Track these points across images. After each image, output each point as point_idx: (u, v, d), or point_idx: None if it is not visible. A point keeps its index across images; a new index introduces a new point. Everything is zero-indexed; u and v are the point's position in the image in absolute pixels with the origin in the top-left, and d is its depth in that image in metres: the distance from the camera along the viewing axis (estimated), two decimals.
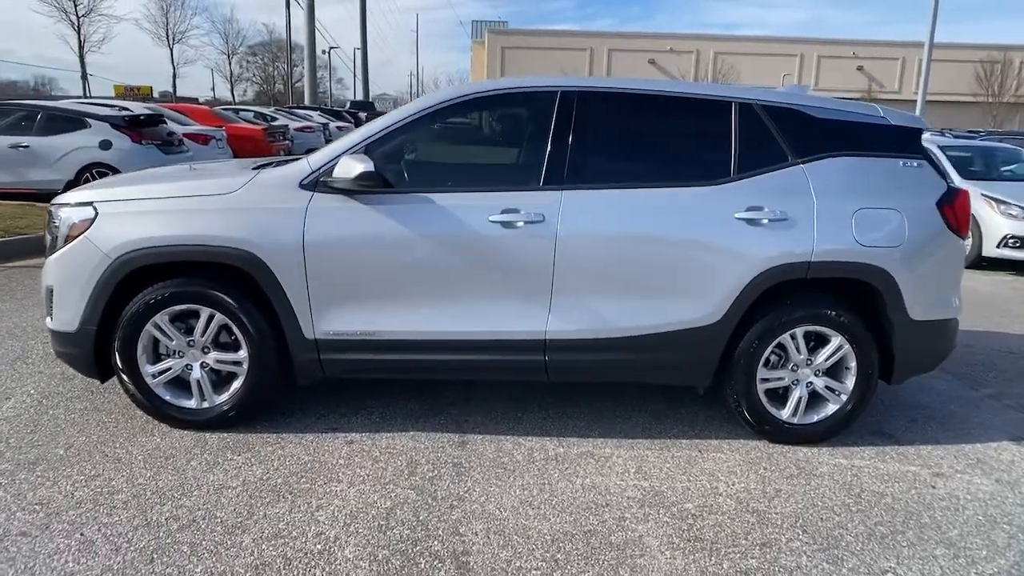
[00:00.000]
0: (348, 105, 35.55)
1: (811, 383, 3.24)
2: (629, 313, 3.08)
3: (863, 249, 3.07)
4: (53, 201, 3.14)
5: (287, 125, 15.58)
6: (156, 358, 3.06)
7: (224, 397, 3.08)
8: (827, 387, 3.25)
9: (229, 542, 2.33)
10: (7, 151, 8.46)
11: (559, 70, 35.44)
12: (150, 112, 10.31)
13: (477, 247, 2.99)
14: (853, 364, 3.20)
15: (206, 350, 3.05)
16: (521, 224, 2.98)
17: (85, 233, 2.94)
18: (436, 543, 2.40)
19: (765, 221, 3.05)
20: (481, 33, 49.40)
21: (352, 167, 2.85)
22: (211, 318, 3.00)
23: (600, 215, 3.03)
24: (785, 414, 3.24)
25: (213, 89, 57.05)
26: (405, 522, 2.51)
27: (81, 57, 31.52)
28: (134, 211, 2.96)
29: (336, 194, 2.95)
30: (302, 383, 3.15)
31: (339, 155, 2.97)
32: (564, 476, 2.90)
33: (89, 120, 8.70)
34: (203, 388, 3.07)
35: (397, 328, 3.03)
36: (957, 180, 7.82)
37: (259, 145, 13.69)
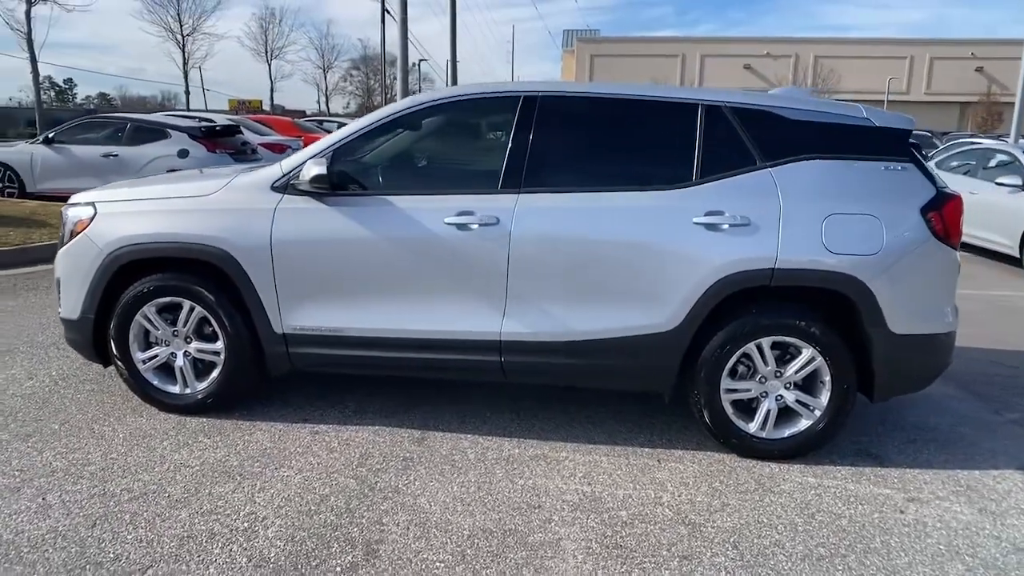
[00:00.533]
0: None
1: (781, 396, 3.10)
2: (584, 317, 3.07)
3: (833, 257, 2.92)
4: (67, 202, 3.50)
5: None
6: (147, 346, 3.34)
7: (204, 385, 3.32)
8: (799, 401, 3.09)
9: (168, 515, 2.53)
10: (100, 159, 9.39)
11: (649, 78, 34.97)
12: (227, 123, 11.12)
13: (432, 248, 3.07)
14: (827, 378, 3.03)
15: (188, 340, 3.30)
16: (475, 226, 3.04)
17: (85, 230, 3.26)
18: (355, 530, 2.50)
19: (725, 226, 2.96)
20: (572, 42, 49.53)
21: (310, 170, 3.02)
22: (192, 310, 3.24)
23: (555, 218, 3.05)
24: (753, 427, 3.11)
25: (319, 102, 60.28)
26: (334, 509, 2.62)
27: (185, 73, 34.28)
28: (126, 211, 3.26)
29: (303, 196, 3.13)
30: (274, 375, 3.34)
31: (307, 159, 3.15)
32: (508, 476, 2.93)
33: (170, 131, 9.50)
34: (185, 375, 3.32)
35: (359, 325, 3.17)
36: None
37: None
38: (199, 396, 3.31)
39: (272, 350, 3.24)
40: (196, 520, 2.51)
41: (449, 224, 3.05)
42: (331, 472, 2.89)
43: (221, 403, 3.33)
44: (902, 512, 2.75)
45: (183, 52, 33.66)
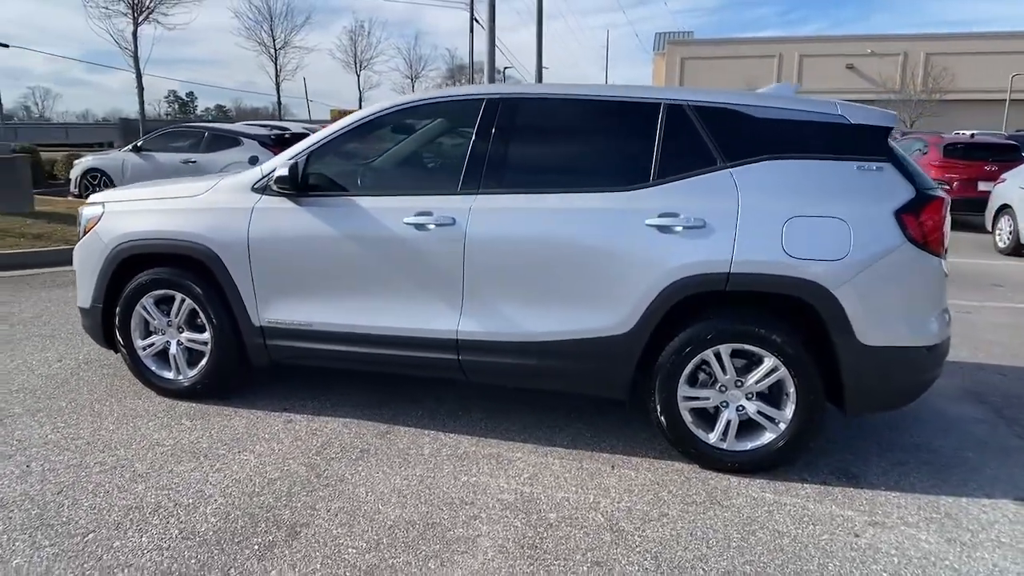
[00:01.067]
0: None
1: (743, 407, 2.98)
2: (538, 318, 3.07)
3: (793, 261, 2.78)
4: (85, 202, 3.86)
5: None
6: (147, 334, 3.63)
7: (193, 372, 3.57)
8: (761, 413, 2.96)
9: (126, 487, 2.75)
10: (180, 165, 10.21)
11: (742, 80, 33.80)
12: (298, 131, 11.77)
13: (392, 247, 3.17)
14: (791, 390, 2.89)
15: (180, 330, 3.56)
16: (432, 227, 3.11)
17: (95, 227, 3.59)
18: (287, 513, 2.62)
19: (679, 228, 2.88)
20: (664, 45, 48.63)
21: (278, 172, 3.19)
22: (182, 302, 3.50)
23: (509, 220, 3.07)
24: (713, 438, 3.00)
25: None
26: (276, 492, 2.76)
27: (277, 85, 36.38)
28: (128, 210, 3.57)
29: (279, 197, 3.31)
30: (256, 365, 3.54)
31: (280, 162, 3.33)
32: (454, 472, 2.97)
33: (242, 139, 10.19)
34: (179, 363, 3.59)
35: (326, 320, 3.31)
36: None
37: None
38: (189, 382, 3.56)
39: (251, 342, 3.44)
40: (149, 494, 2.71)
41: (408, 224, 3.13)
42: (287, 458, 3.04)
43: (209, 390, 3.56)
44: (856, 536, 2.57)
45: (275, 65, 35.75)
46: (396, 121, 3.41)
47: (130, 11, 19.50)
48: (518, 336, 3.09)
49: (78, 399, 3.59)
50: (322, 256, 3.26)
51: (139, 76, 20.85)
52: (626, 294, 2.94)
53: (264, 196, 3.34)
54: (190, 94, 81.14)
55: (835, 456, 3.19)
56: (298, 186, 3.24)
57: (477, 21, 39.34)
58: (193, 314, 3.51)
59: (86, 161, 11.40)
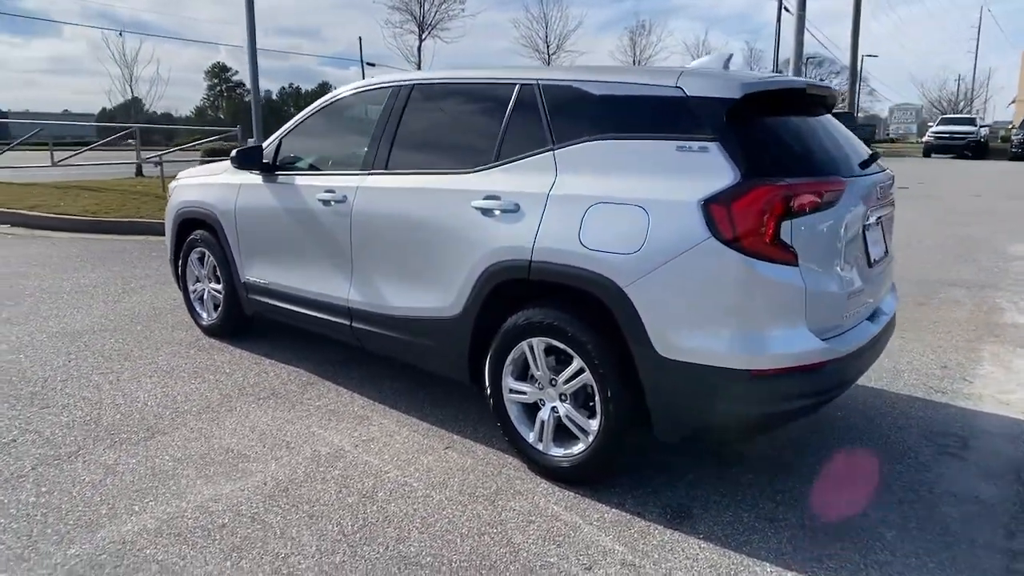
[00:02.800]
0: None
1: (556, 408, 2.75)
2: (397, 293, 3.22)
3: (585, 252, 2.50)
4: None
5: None
6: (194, 281, 4.64)
7: (215, 316, 4.48)
8: (569, 418, 2.70)
9: (124, 375, 3.70)
10: None
11: None
12: None
13: (308, 220, 3.61)
14: (597, 398, 2.59)
15: (208, 280, 4.49)
16: (332, 203, 3.46)
17: (171, 195, 4.71)
18: (164, 423, 3.26)
19: (497, 212, 2.78)
20: None
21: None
22: (207, 258, 4.42)
23: (381, 198, 3.26)
24: (531, 436, 2.84)
25: None
26: (177, 408, 3.43)
27: None
28: (184, 185, 4.60)
29: (259, 175, 3.97)
30: (248, 315, 4.28)
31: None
32: (311, 422, 3.31)
33: None
34: (207, 307, 4.53)
35: (276, 281, 3.89)
36: None
37: None
38: (210, 323, 4.50)
39: (241, 295, 4.20)
40: (128, 382, 3.62)
41: (319, 200, 3.53)
42: (215, 388, 3.70)
43: (224, 331, 4.46)
44: (587, 569, 2.26)
45: None
46: (338, 108, 3.80)
47: (416, 28, 22.72)
48: (382, 308, 3.28)
49: (152, 325, 4.78)
50: (274, 226, 3.84)
51: None
52: (455, 276, 2.93)
53: (249, 174, 4.05)
54: None
55: (696, 488, 2.73)
56: (265, 167, 3.87)
57: (787, 9, 36.40)
58: (214, 269, 4.41)
59: None
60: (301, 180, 3.72)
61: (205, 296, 4.55)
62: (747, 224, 2.23)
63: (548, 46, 37.85)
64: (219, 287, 4.37)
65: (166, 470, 2.85)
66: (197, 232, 4.45)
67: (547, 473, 2.80)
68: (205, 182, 4.40)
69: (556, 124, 2.74)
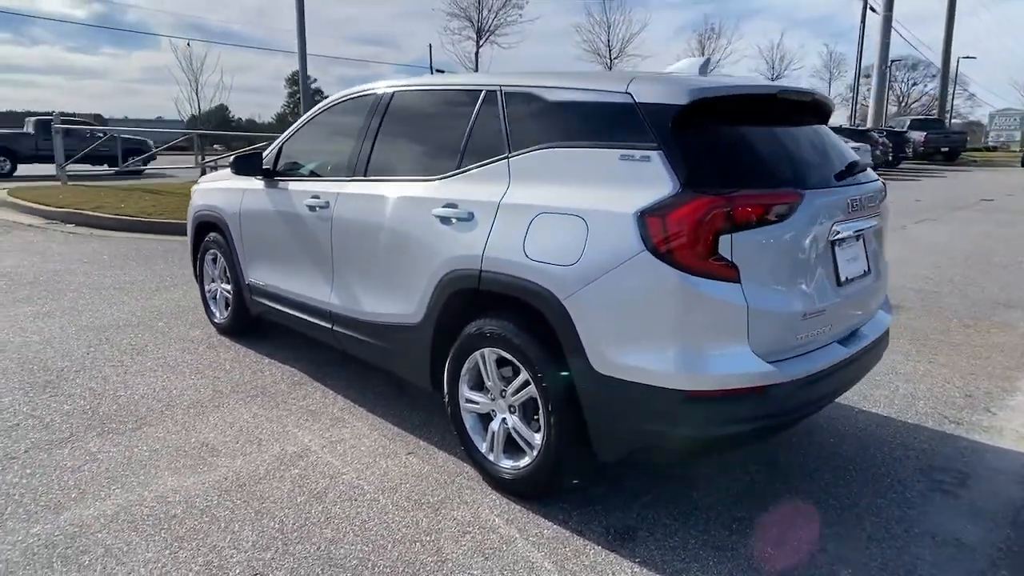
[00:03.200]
0: (907, 125, 31.43)
1: (506, 420, 2.72)
2: (369, 298, 3.27)
3: (529, 263, 2.47)
4: None
5: None
6: (211, 281, 4.84)
7: (226, 314, 4.66)
8: (515, 430, 2.67)
9: (140, 363, 3.92)
10: None
11: None
12: None
13: (298, 225, 3.71)
14: (541, 412, 2.55)
15: (221, 280, 4.68)
16: (317, 208, 3.55)
17: (191, 198, 4.94)
18: (149, 414, 3.42)
19: (454, 220, 2.79)
20: None
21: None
22: (215, 259, 4.61)
23: (358, 205, 3.32)
24: (484, 447, 2.82)
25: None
26: (170, 399, 3.59)
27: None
28: (201, 190, 4.81)
29: (261, 180, 4.12)
30: (253, 315, 4.43)
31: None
32: (287, 421, 3.40)
33: None
34: (219, 306, 4.72)
35: (271, 282, 4.02)
36: None
37: None
38: (223, 321, 4.69)
39: (246, 296, 4.35)
40: (133, 356, 3.83)
41: (306, 205, 3.63)
42: (209, 384, 3.86)
43: (234, 330, 4.64)
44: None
45: None
46: (329, 115, 3.88)
47: (474, 35, 22.95)
48: (359, 313, 3.33)
49: (173, 322, 5.03)
50: (271, 230, 3.97)
51: None
52: (417, 284, 2.95)
53: (253, 179, 4.20)
54: None
55: (649, 510, 2.64)
56: (265, 172, 4.01)
57: (873, 9, 34.71)
58: (224, 270, 4.60)
59: None
60: (294, 186, 3.83)
61: (218, 296, 4.75)
62: (682, 238, 2.14)
63: (610, 51, 37.37)
64: (229, 287, 4.56)
65: (141, 460, 2.99)
66: (211, 234, 4.65)
67: (498, 485, 2.77)
68: (219, 187, 4.60)
69: (513, 131, 2.72)
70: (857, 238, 2.66)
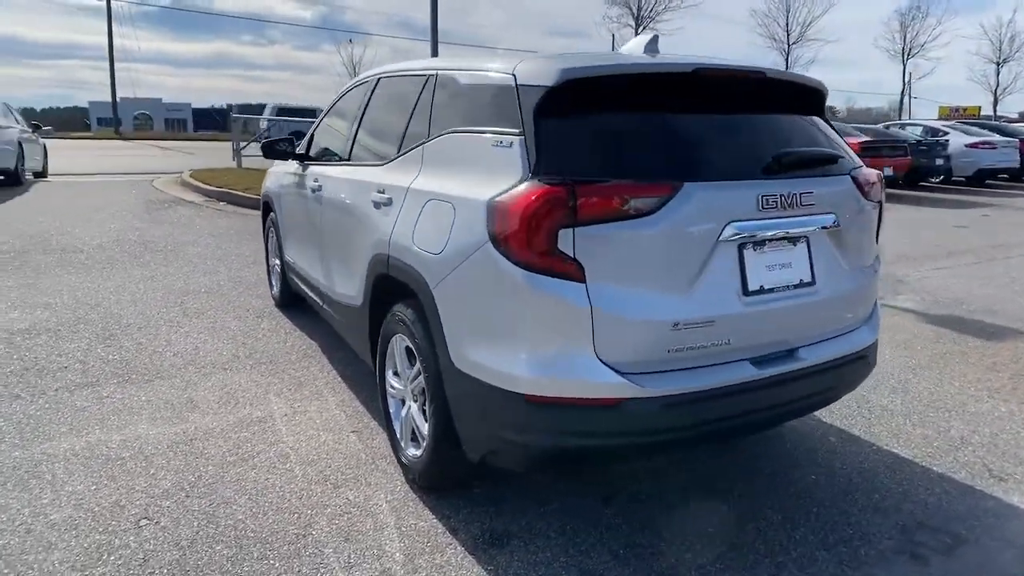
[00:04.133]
0: None
1: (411, 408, 2.70)
2: (336, 279, 3.41)
3: (414, 249, 2.44)
4: None
5: (906, 140, 13.82)
6: (271, 256, 5.29)
7: (277, 289, 5.08)
8: (412, 418, 2.65)
9: (184, 323, 4.47)
10: None
11: None
12: None
13: (307, 207, 3.93)
14: (430, 403, 2.50)
15: (275, 256, 5.10)
16: (315, 191, 3.75)
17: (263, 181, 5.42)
18: (164, 366, 3.85)
19: (380, 206, 2.81)
20: None
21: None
22: (272, 237, 5.02)
23: (334, 188, 3.47)
24: (398, 432, 2.82)
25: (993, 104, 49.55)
26: (184, 357, 4.01)
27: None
28: (270, 172, 5.24)
29: (299, 164, 4.42)
30: (295, 292, 4.77)
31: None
32: (270, 383, 3.64)
33: None
34: (276, 280, 5.14)
35: (296, 260, 4.31)
36: None
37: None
38: (277, 296, 5.11)
39: (288, 272, 4.71)
40: (174, 332, 4.36)
41: (310, 188, 3.84)
42: (236, 345, 4.24)
43: (284, 302, 5.03)
44: (347, 568, 2.23)
45: (786, 61, 33.10)
46: (343, 103, 4.03)
47: (633, 22, 22.13)
48: (333, 293, 3.49)
49: (245, 292, 5.58)
50: (295, 211, 4.26)
51: None
52: (358, 267, 3.02)
53: (295, 163, 4.51)
54: None
55: (547, 519, 2.49)
56: (295, 156, 4.30)
57: None
58: (277, 247, 5.00)
59: None
60: (310, 169, 4.06)
61: (274, 270, 5.19)
62: (518, 229, 1.98)
63: (788, 35, 33.97)
64: (279, 263, 4.96)
65: (133, 408, 3.39)
66: (270, 214, 5.09)
67: (402, 467, 2.77)
68: (276, 170, 5.00)
69: (434, 117, 2.68)
70: (793, 241, 2.25)
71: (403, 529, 2.45)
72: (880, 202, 2.66)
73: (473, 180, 2.23)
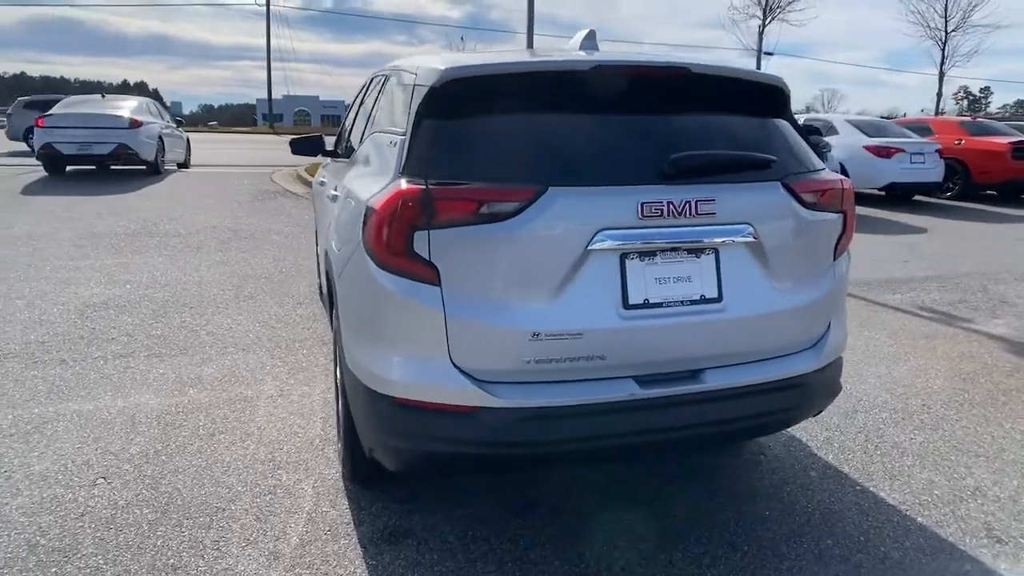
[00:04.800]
0: None
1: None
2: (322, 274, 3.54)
3: (332, 247, 2.58)
4: None
5: None
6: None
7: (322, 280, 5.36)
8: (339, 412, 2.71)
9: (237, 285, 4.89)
10: None
11: None
12: (806, 125, 10.96)
13: (323, 197, 4.12)
14: None
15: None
16: (322, 183, 3.92)
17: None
18: (196, 344, 4.22)
19: (333, 201, 2.91)
20: None
21: None
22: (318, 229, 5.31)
23: (331, 179, 3.59)
24: (336, 422, 2.91)
25: None
26: (219, 338, 4.37)
27: (941, 75, 29.91)
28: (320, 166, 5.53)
29: (334, 160, 4.64)
30: None
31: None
32: (277, 365, 3.88)
33: None
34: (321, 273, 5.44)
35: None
36: None
37: (1002, 162, 11.61)
38: (318, 283, 5.40)
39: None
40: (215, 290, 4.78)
41: (321, 179, 4.03)
42: (268, 329, 4.55)
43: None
44: (244, 545, 2.35)
45: (942, 52, 28.94)
46: (361, 98, 4.16)
47: (760, 12, 20.78)
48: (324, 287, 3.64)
49: (300, 280, 5.94)
50: (321, 203, 4.48)
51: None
52: (323, 263, 3.14)
53: (330, 158, 4.75)
54: (985, 90, 78.01)
55: (464, 524, 2.49)
56: (325, 152, 4.52)
57: None
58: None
59: None
60: (329, 164, 4.27)
61: (319, 260, 5.50)
62: (377, 230, 1.99)
63: (946, 21, 29.42)
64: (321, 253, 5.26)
65: (148, 380, 3.76)
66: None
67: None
68: (321, 165, 5.29)
69: (374, 116, 2.76)
70: (695, 253, 2.06)
71: (313, 516, 2.53)
72: (844, 212, 2.36)
73: (370, 179, 2.27)
